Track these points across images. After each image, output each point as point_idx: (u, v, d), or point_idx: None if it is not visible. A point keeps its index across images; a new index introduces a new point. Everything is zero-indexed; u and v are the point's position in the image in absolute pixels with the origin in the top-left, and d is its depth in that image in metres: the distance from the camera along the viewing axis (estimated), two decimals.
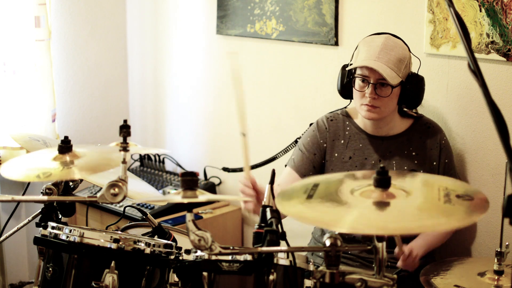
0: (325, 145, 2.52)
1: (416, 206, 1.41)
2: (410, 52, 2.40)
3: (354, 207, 1.40)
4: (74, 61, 3.72)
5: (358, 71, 2.36)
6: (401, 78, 2.33)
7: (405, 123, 2.49)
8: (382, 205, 1.41)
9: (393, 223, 1.37)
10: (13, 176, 1.81)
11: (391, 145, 2.46)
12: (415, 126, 2.48)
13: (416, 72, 2.42)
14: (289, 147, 2.90)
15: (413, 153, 2.45)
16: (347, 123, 2.53)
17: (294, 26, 3.08)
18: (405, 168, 2.44)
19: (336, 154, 2.50)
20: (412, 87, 2.37)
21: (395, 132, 2.47)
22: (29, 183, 2.26)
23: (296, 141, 2.80)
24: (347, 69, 2.42)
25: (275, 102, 3.26)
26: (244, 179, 2.11)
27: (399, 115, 2.48)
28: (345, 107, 2.58)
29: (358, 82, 2.36)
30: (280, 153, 2.98)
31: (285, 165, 2.62)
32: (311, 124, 2.62)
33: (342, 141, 2.50)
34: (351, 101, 2.48)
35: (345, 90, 2.46)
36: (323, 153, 2.52)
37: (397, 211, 1.39)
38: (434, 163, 2.44)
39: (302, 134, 2.68)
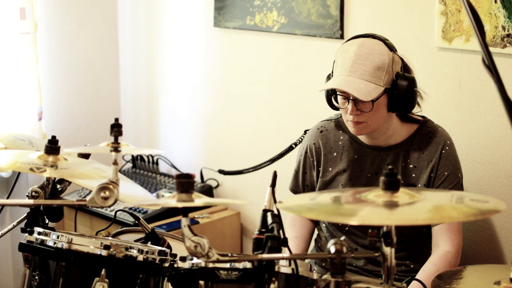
0: (318, 161, 2.50)
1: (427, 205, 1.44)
2: (394, 52, 2.26)
3: (365, 205, 1.42)
4: (63, 55, 3.72)
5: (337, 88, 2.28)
6: (383, 86, 2.23)
7: (406, 130, 2.39)
8: (391, 204, 1.41)
9: (402, 215, 1.40)
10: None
11: (388, 157, 2.38)
12: (416, 135, 2.39)
13: (405, 73, 2.27)
14: (290, 147, 2.90)
15: (411, 166, 2.36)
16: (340, 132, 2.47)
17: (297, 18, 3.08)
18: (402, 182, 2.38)
19: (330, 169, 2.47)
20: (400, 92, 2.25)
21: (395, 141, 2.39)
22: (14, 186, 2.26)
23: (295, 144, 2.80)
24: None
25: (277, 98, 3.26)
26: None
27: (399, 121, 2.38)
28: (339, 117, 2.50)
29: (339, 99, 2.30)
30: (281, 154, 2.97)
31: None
32: (301, 140, 2.61)
33: (335, 154, 2.46)
34: None
35: (332, 103, 2.39)
36: (317, 171, 2.50)
37: (407, 208, 1.42)
38: (432, 174, 2.35)
39: (299, 140, 2.69)
